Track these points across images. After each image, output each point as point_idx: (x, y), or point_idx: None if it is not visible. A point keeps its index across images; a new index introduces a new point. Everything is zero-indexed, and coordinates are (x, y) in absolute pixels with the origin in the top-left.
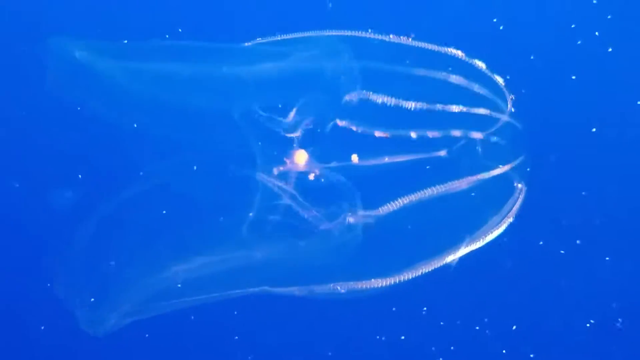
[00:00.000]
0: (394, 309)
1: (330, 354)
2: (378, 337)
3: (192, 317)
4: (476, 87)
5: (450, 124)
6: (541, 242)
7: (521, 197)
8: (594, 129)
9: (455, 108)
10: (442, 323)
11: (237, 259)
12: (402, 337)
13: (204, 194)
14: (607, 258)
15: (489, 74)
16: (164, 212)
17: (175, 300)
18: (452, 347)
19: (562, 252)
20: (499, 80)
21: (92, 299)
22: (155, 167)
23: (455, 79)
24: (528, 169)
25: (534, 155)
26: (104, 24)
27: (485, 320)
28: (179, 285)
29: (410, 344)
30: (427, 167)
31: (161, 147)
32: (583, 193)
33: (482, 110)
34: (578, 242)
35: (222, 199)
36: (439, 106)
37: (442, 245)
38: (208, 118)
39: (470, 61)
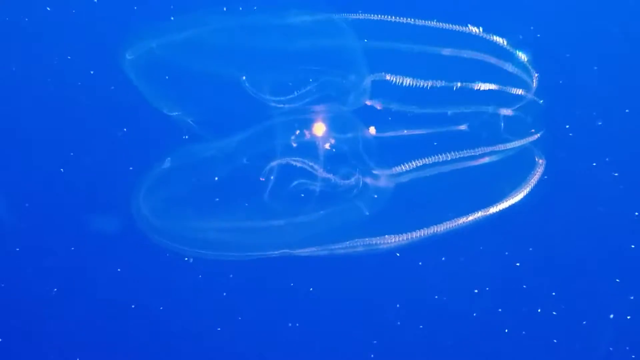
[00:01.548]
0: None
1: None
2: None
3: (200, 276)
4: (502, 64)
5: (475, 99)
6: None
7: (540, 171)
8: (626, 110)
9: (482, 86)
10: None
11: (259, 225)
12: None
13: (225, 160)
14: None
15: (512, 50)
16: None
17: (200, 250)
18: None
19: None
20: (523, 57)
21: None
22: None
23: (479, 55)
24: (549, 145)
25: (555, 131)
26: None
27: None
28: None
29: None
30: (448, 139)
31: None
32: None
33: (513, 90)
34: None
35: (242, 166)
36: (465, 84)
37: (457, 211)
38: (231, 88)
39: (493, 38)
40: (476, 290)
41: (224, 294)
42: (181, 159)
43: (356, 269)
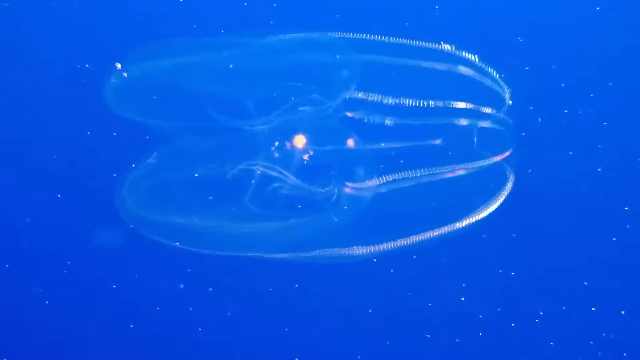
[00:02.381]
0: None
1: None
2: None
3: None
4: (476, 77)
5: (449, 113)
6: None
7: (509, 186)
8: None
9: (457, 104)
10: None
11: (234, 226)
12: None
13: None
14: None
15: (485, 67)
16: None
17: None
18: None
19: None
20: (495, 74)
21: None
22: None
23: (456, 69)
24: (519, 160)
25: (527, 148)
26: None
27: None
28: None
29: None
30: (422, 154)
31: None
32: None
33: (482, 108)
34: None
35: (224, 174)
36: (438, 103)
37: (430, 223)
38: (219, 104)
39: (467, 56)
40: (453, 296)
41: (210, 289)
42: (167, 155)
43: (328, 275)
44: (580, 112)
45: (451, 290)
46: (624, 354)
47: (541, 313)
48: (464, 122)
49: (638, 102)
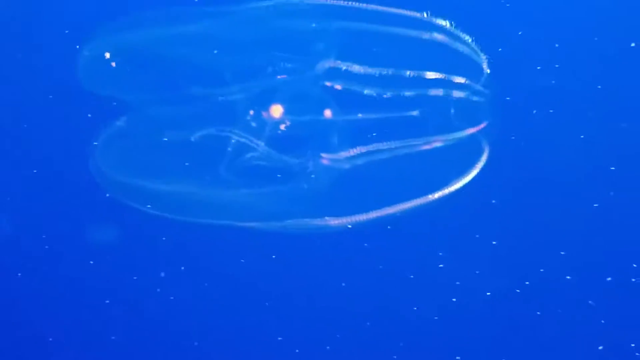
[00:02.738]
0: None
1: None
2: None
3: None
4: (455, 46)
5: (426, 84)
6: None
7: (484, 158)
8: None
9: (431, 75)
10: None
11: (210, 194)
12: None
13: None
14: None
15: (463, 36)
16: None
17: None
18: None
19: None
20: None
21: None
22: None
23: (434, 37)
24: (496, 132)
25: (504, 119)
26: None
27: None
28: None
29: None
30: (399, 125)
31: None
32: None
33: (458, 79)
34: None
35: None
36: (415, 73)
37: (406, 195)
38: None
39: (444, 24)
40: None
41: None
42: (137, 121)
43: (301, 247)
44: (560, 80)
45: (428, 259)
46: (602, 321)
47: (527, 283)
48: (440, 92)
49: (617, 65)
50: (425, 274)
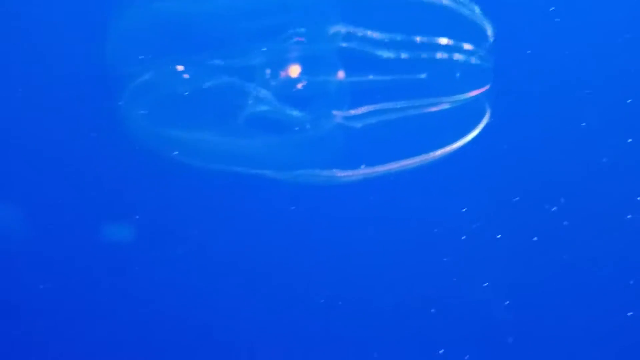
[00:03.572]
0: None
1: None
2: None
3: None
4: (463, 13)
5: (434, 48)
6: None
7: (486, 119)
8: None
9: (442, 40)
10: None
11: (224, 140)
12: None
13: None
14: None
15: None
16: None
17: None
18: None
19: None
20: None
21: None
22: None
23: (440, 2)
24: (499, 95)
25: (506, 83)
26: None
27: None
28: None
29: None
30: (408, 87)
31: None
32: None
33: (466, 45)
34: None
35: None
36: (424, 38)
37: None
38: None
39: None
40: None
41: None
42: (159, 77)
43: (310, 197)
44: (564, 52)
45: (426, 216)
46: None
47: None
48: (447, 57)
49: (615, 37)
50: (428, 229)
